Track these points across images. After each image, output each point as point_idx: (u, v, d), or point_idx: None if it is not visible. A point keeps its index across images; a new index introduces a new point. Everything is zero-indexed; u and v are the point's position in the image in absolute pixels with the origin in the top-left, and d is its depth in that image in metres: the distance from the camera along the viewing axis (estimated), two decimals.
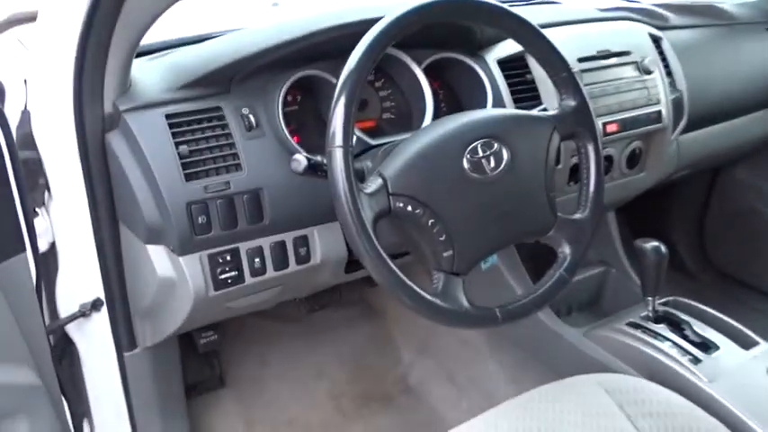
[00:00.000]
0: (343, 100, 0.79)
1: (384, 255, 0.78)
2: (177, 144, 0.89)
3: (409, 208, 0.82)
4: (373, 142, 1.02)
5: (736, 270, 2.04)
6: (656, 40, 1.43)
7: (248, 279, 0.96)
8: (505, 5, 0.92)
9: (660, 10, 1.58)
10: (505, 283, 1.37)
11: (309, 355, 1.56)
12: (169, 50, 1.06)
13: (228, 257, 0.94)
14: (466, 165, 0.86)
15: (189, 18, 1.25)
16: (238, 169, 0.93)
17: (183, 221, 0.88)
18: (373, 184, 0.81)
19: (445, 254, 0.84)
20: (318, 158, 0.86)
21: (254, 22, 1.14)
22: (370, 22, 0.84)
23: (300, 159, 0.85)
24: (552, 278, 0.93)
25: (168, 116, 0.91)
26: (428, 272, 0.87)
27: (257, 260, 0.96)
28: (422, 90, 1.10)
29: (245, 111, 0.96)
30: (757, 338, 1.22)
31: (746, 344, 1.20)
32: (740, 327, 1.25)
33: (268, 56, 0.98)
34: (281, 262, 0.99)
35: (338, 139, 0.78)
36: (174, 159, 0.88)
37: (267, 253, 0.97)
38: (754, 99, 1.68)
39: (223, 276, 0.94)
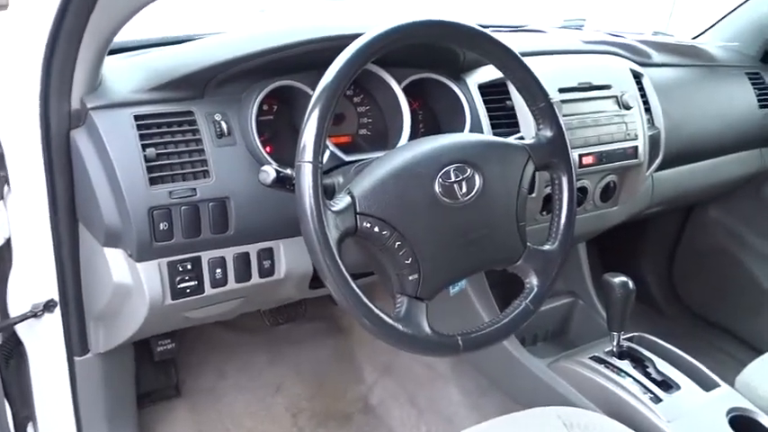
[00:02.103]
0: (316, 114, 0.77)
1: (346, 275, 0.76)
2: (144, 146, 0.87)
3: (376, 229, 0.80)
4: (347, 158, 1.00)
5: (704, 308, 2.05)
6: (637, 76, 1.44)
7: (208, 290, 0.94)
8: (489, 31, 0.92)
9: (643, 47, 1.60)
10: (472, 308, 1.36)
11: (269, 368, 1.53)
12: (144, 50, 1.04)
13: (189, 266, 0.91)
14: (437, 189, 0.84)
15: (171, 18, 1.23)
16: (206, 176, 0.91)
17: (143, 226, 0.86)
18: (341, 202, 0.80)
19: (410, 277, 0.83)
20: (288, 171, 0.84)
21: (237, 27, 1.12)
22: (351, 38, 0.83)
23: (269, 171, 0.83)
24: (517, 309, 0.92)
25: (137, 117, 0.88)
26: (392, 294, 0.86)
27: (219, 271, 0.94)
28: (400, 109, 1.09)
29: (217, 117, 0.94)
30: (718, 380, 1.22)
31: (707, 385, 1.20)
32: (702, 368, 1.25)
33: (246, 63, 0.96)
34: (244, 274, 0.96)
35: (308, 154, 0.76)
36: (139, 162, 0.86)
37: (230, 264, 0.95)
38: (730, 141, 1.70)
39: (182, 285, 0.91)
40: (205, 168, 0.90)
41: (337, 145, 1.02)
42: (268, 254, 0.98)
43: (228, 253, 0.94)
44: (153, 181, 0.87)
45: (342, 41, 0.83)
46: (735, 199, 1.91)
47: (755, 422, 1.13)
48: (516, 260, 0.93)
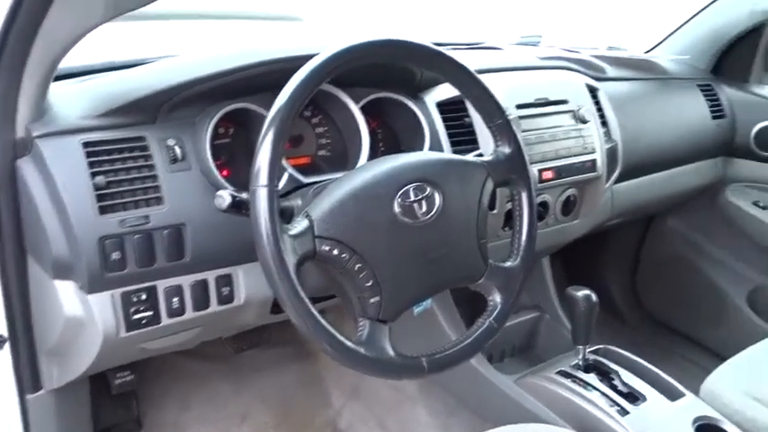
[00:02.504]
0: (270, 136, 0.76)
1: (306, 300, 0.75)
2: (94, 174, 0.84)
3: (335, 252, 0.79)
4: (305, 180, 0.99)
5: (666, 316, 2.08)
6: (593, 91, 1.46)
7: (165, 320, 0.91)
8: (445, 49, 0.92)
9: (598, 61, 1.62)
10: (439, 326, 1.35)
11: (234, 397, 1.49)
12: (93, 75, 1.01)
13: (144, 296, 0.88)
14: (397, 209, 0.84)
15: (121, 42, 1.21)
16: (159, 203, 0.88)
17: (93, 257, 0.83)
18: (299, 226, 0.78)
19: (371, 300, 0.81)
20: (244, 196, 0.82)
21: (190, 50, 1.10)
22: (305, 58, 0.82)
23: (224, 196, 0.81)
24: (481, 327, 0.91)
25: (86, 144, 0.85)
26: (354, 318, 0.84)
27: (176, 300, 0.91)
28: (359, 129, 1.08)
29: (170, 142, 0.91)
30: (683, 390, 1.23)
31: (673, 395, 1.21)
32: (667, 378, 1.26)
33: (200, 86, 0.94)
34: (202, 302, 0.94)
35: (263, 178, 0.75)
36: (88, 190, 0.83)
37: (187, 292, 0.92)
38: (685, 152, 1.74)
39: (137, 316, 0.88)
40: (158, 195, 0.88)
41: (296, 167, 1.01)
42: (227, 280, 0.96)
43: (185, 281, 0.92)
44: (103, 209, 0.84)
45: (296, 62, 0.82)
46: (692, 208, 1.94)
47: (721, 430, 1.14)
48: (478, 278, 0.92)
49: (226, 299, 0.96)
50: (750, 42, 1.82)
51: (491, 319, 0.92)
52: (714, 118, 1.79)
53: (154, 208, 0.87)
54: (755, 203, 1.81)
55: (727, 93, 1.85)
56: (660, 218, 2.04)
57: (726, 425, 1.14)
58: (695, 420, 1.14)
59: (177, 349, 1.06)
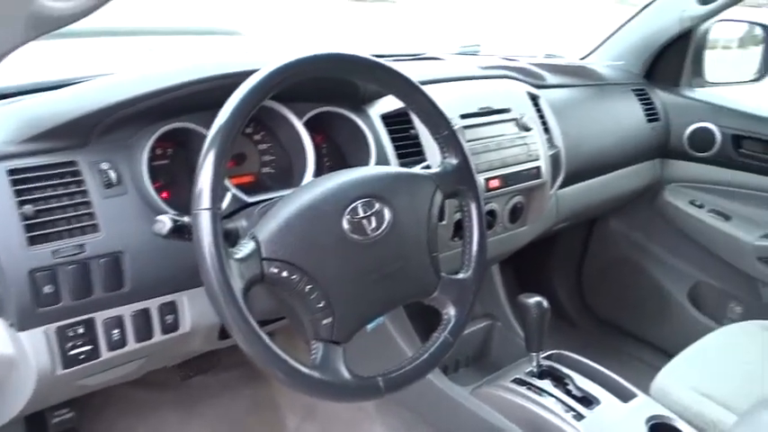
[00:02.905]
0: (211, 157, 0.73)
1: (255, 326, 0.72)
2: (21, 203, 0.79)
3: (284, 273, 0.76)
4: (250, 199, 0.96)
5: (614, 317, 2.13)
6: (534, 98, 1.48)
7: (105, 353, 0.86)
8: (386, 61, 0.91)
9: (537, 69, 1.65)
10: (393, 343, 1.33)
11: (184, 426, 1.43)
12: (18, 97, 0.95)
13: (81, 330, 0.83)
14: (346, 226, 0.81)
15: (48, 61, 1.15)
16: (95, 230, 0.83)
17: (23, 291, 0.77)
18: (245, 248, 0.75)
19: (324, 321, 0.79)
20: (185, 219, 0.79)
21: (124, 69, 1.05)
22: (246, 74, 0.79)
23: (164, 221, 0.77)
24: (437, 342, 0.90)
25: (12, 171, 0.80)
26: (306, 341, 0.81)
27: (116, 332, 0.86)
28: (303, 145, 1.06)
29: (104, 165, 0.87)
30: (635, 390, 1.25)
31: (625, 396, 1.23)
32: (619, 379, 1.28)
33: (134, 106, 0.90)
34: (145, 332, 0.89)
35: (204, 201, 0.71)
36: (15, 220, 0.78)
37: (128, 323, 0.87)
38: (625, 155, 1.78)
39: (74, 352, 0.83)
40: (93, 222, 0.83)
41: (239, 186, 0.97)
42: (170, 308, 0.91)
43: (126, 311, 0.87)
44: (33, 240, 0.79)
45: (236, 79, 0.79)
46: (632, 210, 1.99)
47: (673, 428, 1.16)
48: (432, 292, 0.91)
49: (170, 327, 0.92)
50: (680, 47, 1.89)
51: (446, 333, 0.91)
52: (649, 121, 1.84)
53: (89, 236, 0.83)
54: (692, 202, 1.87)
55: (661, 96, 1.91)
56: (602, 220, 2.09)
57: (677, 422, 1.16)
58: (648, 420, 1.16)
59: (120, 382, 1.01)
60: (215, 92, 0.88)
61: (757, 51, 1.96)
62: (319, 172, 1.03)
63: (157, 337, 0.91)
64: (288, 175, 1.10)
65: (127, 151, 0.90)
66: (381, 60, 0.90)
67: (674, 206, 1.89)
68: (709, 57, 1.94)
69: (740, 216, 1.79)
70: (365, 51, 0.89)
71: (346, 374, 0.79)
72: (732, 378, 1.24)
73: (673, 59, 1.92)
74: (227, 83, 0.82)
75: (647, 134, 1.83)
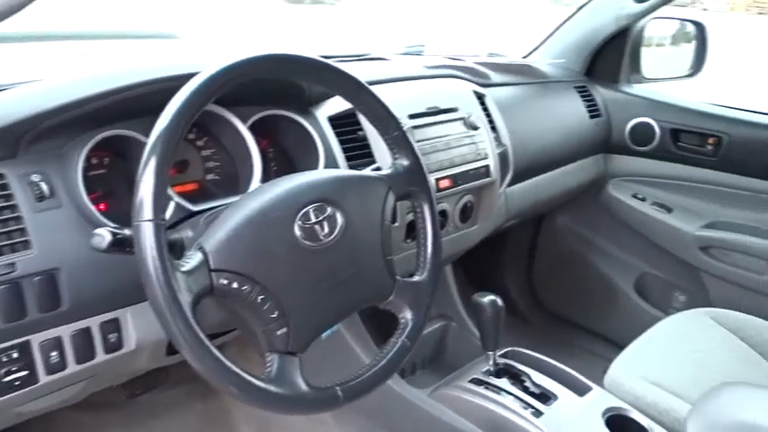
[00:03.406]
0: (152, 165, 0.69)
1: (205, 341, 0.68)
2: None
3: (235, 285, 0.73)
4: (195, 208, 0.92)
5: (565, 311, 2.16)
6: (480, 97, 1.48)
7: (43, 378, 0.80)
8: (332, 62, 0.88)
9: (481, 68, 1.66)
10: (349, 349, 1.31)
11: None
12: None
13: (15, 354, 0.78)
14: (298, 232, 0.79)
15: None
16: (27, 247, 0.78)
17: None
18: (192, 260, 0.71)
19: (278, 332, 0.76)
20: (126, 232, 0.74)
21: (53, 75, 0.99)
22: (186, 78, 0.75)
23: (103, 234, 0.73)
24: (395, 347, 0.88)
25: None
26: (260, 353, 0.78)
27: (54, 354, 0.81)
28: (248, 150, 1.02)
29: (35, 177, 0.81)
30: (589, 383, 1.26)
31: (581, 390, 1.24)
32: (573, 373, 1.29)
33: (67, 113, 0.85)
34: (86, 353, 0.84)
35: (146, 211, 0.67)
36: None
37: (67, 344, 0.82)
38: (570, 151, 1.81)
39: (8, 378, 0.77)
40: (25, 238, 0.78)
41: (183, 194, 0.93)
42: (113, 326, 0.86)
43: (65, 331, 0.82)
44: None
45: (176, 82, 0.75)
46: (578, 205, 2.03)
47: (628, 419, 1.17)
48: (387, 296, 0.89)
49: (114, 346, 0.87)
50: (617, 45, 1.93)
51: (403, 337, 0.89)
52: (592, 117, 1.88)
53: (20, 254, 0.77)
54: (635, 196, 1.91)
55: (601, 93, 1.94)
56: (550, 216, 2.12)
57: (632, 413, 1.18)
58: (604, 413, 1.18)
59: (62, 406, 0.95)
60: (153, 96, 0.84)
61: (689, 48, 2.02)
62: (266, 177, 0.99)
63: (100, 357, 0.86)
64: (234, 182, 1.06)
65: (60, 161, 0.85)
66: (328, 61, 0.87)
67: (617, 200, 1.93)
68: (646, 54, 1.99)
69: (681, 208, 1.84)
70: (309, 52, 0.87)
71: (303, 386, 0.76)
72: (681, 366, 1.26)
73: (611, 57, 1.96)
74: (167, 86, 0.78)
75: (590, 130, 1.86)
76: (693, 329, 1.38)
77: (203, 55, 1.04)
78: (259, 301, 0.74)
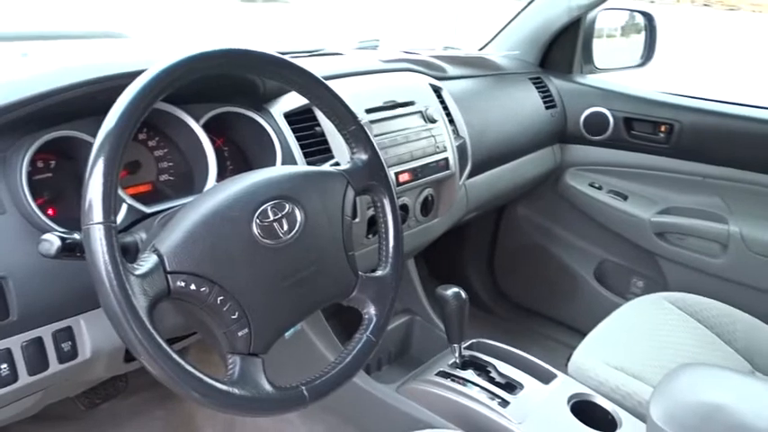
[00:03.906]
0: (100, 166, 0.66)
1: (164, 346, 0.66)
2: None
3: (193, 287, 0.71)
4: (148, 210, 0.89)
5: (527, 301, 2.18)
6: (437, 90, 1.48)
7: None
8: (287, 57, 0.87)
9: (437, 61, 1.65)
10: (313, 347, 1.29)
11: None
12: None
13: None
14: (256, 231, 0.77)
15: None
16: None
17: None
18: (147, 263, 0.69)
19: (240, 333, 0.74)
20: (76, 236, 0.72)
21: None
22: (133, 75, 0.73)
23: (51, 240, 0.70)
24: (359, 343, 0.87)
25: None
26: (222, 355, 0.76)
27: (4, 366, 0.77)
28: (203, 148, 1.00)
29: None
30: (554, 371, 1.28)
31: (546, 378, 1.25)
32: (538, 361, 1.30)
33: (8, 115, 0.81)
34: (39, 364, 0.81)
35: (96, 214, 0.65)
36: None
37: (18, 355, 0.78)
38: (527, 142, 1.83)
39: None
40: None
41: (135, 196, 0.90)
42: (67, 334, 0.83)
43: (15, 342, 0.78)
44: None
45: (124, 80, 0.73)
46: (537, 195, 2.05)
47: (593, 404, 1.19)
48: (350, 292, 0.88)
49: (68, 356, 0.83)
50: (570, 36, 1.96)
51: (368, 333, 0.88)
52: (547, 108, 1.90)
53: None
54: (591, 185, 1.94)
55: (556, 84, 1.97)
56: (510, 207, 2.13)
57: (597, 398, 1.19)
58: (570, 399, 1.19)
59: (15, 420, 0.91)
60: (100, 95, 0.81)
61: (639, 38, 2.06)
62: (222, 176, 0.97)
63: (54, 367, 0.82)
64: (189, 182, 1.03)
65: (2, 166, 0.81)
66: (283, 56, 0.86)
67: (575, 189, 1.96)
68: (597, 45, 2.03)
69: (636, 195, 1.88)
70: (263, 48, 0.85)
71: (268, 387, 0.74)
72: (642, 350, 1.29)
73: (564, 48, 1.98)
74: (114, 85, 0.76)
75: (546, 121, 1.88)
76: (652, 314, 1.41)
77: (153, 53, 1.01)
78: (218, 302, 0.72)
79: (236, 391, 0.71)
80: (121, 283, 0.64)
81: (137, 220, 0.87)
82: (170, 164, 1.04)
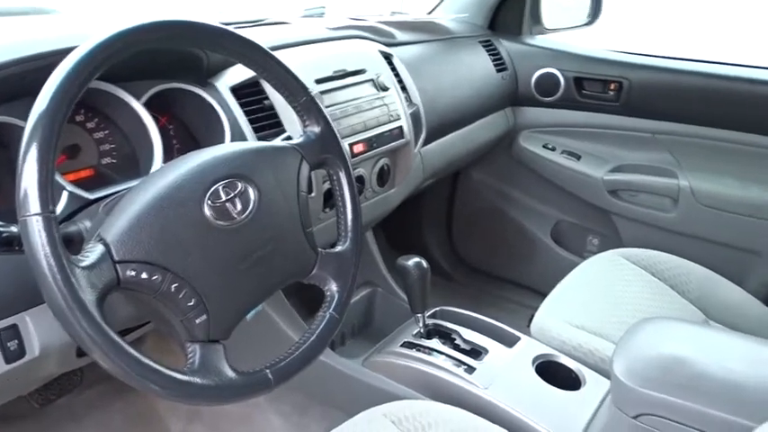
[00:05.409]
0: (33, 152, 0.62)
1: (117, 340, 0.63)
2: None
3: (144, 275, 0.67)
4: (91, 196, 0.84)
5: (486, 265, 2.20)
6: (388, 57, 1.45)
7: None
8: (231, 27, 0.82)
9: (385, 27, 1.61)
10: (275, 327, 1.26)
11: None
12: None
13: None
14: (208, 212, 0.74)
15: None
16: None
17: None
18: (92, 254, 0.65)
19: (198, 320, 0.71)
20: (13, 229, 0.67)
21: None
22: (64, 53, 0.68)
23: None
24: (323, 321, 0.85)
25: None
26: (181, 344, 0.73)
27: None
28: (146, 128, 0.95)
29: None
30: (517, 333, 1.29)
31: (509, 341, 1.26)
32: (501, 325, 1.31)
33: None
34: None
35: (33, 204, 0.60)
36: None
37: None
38: (480, 106, 1.81)
39: None
40: None
41: (76, 182, 0.85)
42: (12, 332, 0.78)
43: None
44: None
45: (54, 58, 0.68)
46: (492, 159, 2.05)
47: (557, 363, 1.21)
48: (310, 270, 0.86)
49: (15, 355, 0.79)
50: None
51: (331, 310, 0.87)
52: (498, 71, 1.88)
53: None
54: (545, 146, 1.95)
55: (506, 46, 1.95)
56: (465, 173, 2.13)
57: (561, 358, 1.21)
58: (534, 360, 1.20)
59: None
60: (30, 75, 0.76)
61: None
62: (169, 157, 0.93)
63: (1, 367, 0.78)
64: (133, 165, 0.98)
65: None
66: (226, 27, 0.81)
67: (529, 151, 1.96)
68: (545, 4, 2.01)
69: (589, 154, 1.89)
70: (205, 18, 0.80)
71: (230, 373, 0.72)
72: (601, 308, 1.30)
73: (513, 9, 1.97)
74: (45, 63, 0.71)
75: (497, 84, 1.87)
76: (609, 270, 1.43)
77: (86, 28, 0.95)
78: (173, 290, 0.69)
79: (197, 380, 0.69)
80: (66, 277, 0.60)
81: (79, 207, 0.82)
82: (112, 146, 0.98)
